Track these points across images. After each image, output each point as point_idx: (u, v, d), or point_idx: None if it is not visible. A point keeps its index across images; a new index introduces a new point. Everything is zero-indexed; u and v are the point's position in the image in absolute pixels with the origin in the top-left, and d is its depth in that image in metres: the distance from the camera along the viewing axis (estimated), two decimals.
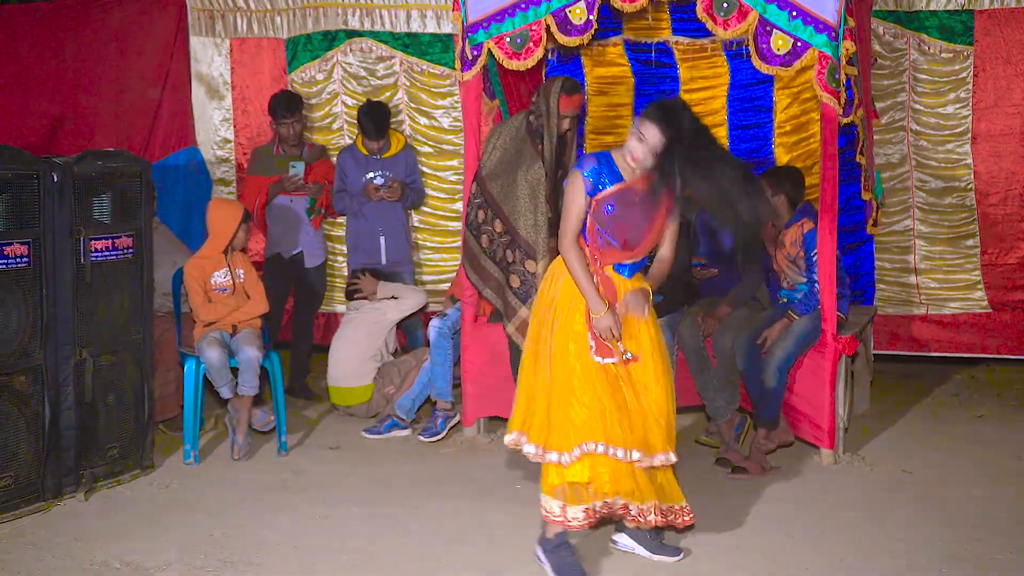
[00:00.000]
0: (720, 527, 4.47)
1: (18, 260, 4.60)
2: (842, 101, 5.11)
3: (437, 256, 7.08)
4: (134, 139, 7.10)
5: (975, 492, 4.89)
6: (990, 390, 6.81)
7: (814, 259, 5.24)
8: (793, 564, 4.10)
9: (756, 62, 5.09)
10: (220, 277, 5.58)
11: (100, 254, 4.94)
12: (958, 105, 6.61)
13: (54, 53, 7.20)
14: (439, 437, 5.78)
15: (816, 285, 5.24)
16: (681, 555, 4.15)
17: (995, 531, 4.41)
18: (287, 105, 6.50)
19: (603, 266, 4.03)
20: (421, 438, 5.78)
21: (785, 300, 5.43)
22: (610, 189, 3.97)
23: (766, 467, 5.18)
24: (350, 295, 6.39)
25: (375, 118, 6.45)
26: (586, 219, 4.01)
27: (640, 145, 3.89)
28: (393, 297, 6.31)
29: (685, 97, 6.72)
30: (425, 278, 7.07)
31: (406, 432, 5.88)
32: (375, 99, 6.77)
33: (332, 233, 7.02)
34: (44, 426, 4.74)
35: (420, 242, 7.06)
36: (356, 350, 6.17)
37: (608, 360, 3.96)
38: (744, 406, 5.46)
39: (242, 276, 5.67)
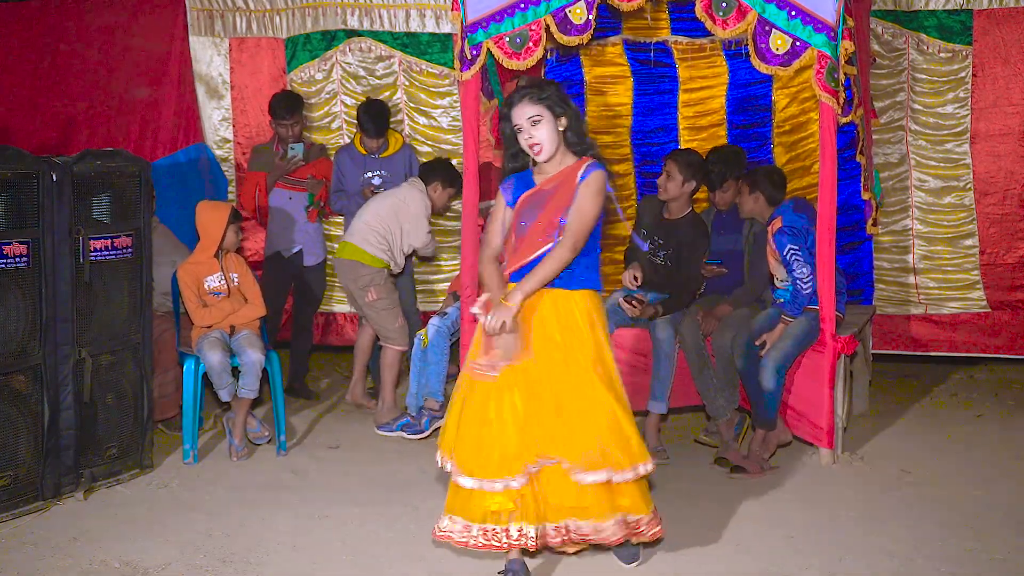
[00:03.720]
0: (719, 527, 4.48)
1: (17, 260, 4.59)
2: (841, 101, 5.12)
3: None
4: (137, 138, 7.08)
5: (974, 492, 4.89)
6: (989, 390, 6.82)
7: (789, 258, 5.19)
8: (793, 564, 4.10)
9: (755, 62, 5.10)
10: (214, 281, 5.56)
11: (99, 254, 4.94)
12: (957, 105, 6.61)
13: (51, 52, 7.19)
14: (422, 436, 5.77)
15: (798, 283, 5.21)
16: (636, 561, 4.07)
17: (994, 531, 4.41)
18: (287, 107, 6.49)
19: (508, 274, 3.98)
20: (404, 435, 5.79)
21: (781, 301, 5.43)
22: (523, 195, 3.99)
23: (765, 467, 5.18)
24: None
25: (375, 116, 6.44)
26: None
27: (530, 129, 3.97)
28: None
29: (684, 97, 6.75)
30: (425, 278, 7.07)
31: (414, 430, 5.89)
32: (375, 98, 6.77)
33: (331, 232, 7.01)
34: (43, 426, 4.73)
35: None
36: (374, 221, 6.07)
37: (491, 374, 3.82)
38: (744, 405, 5.46)
39: (236, 280, 5.65)
